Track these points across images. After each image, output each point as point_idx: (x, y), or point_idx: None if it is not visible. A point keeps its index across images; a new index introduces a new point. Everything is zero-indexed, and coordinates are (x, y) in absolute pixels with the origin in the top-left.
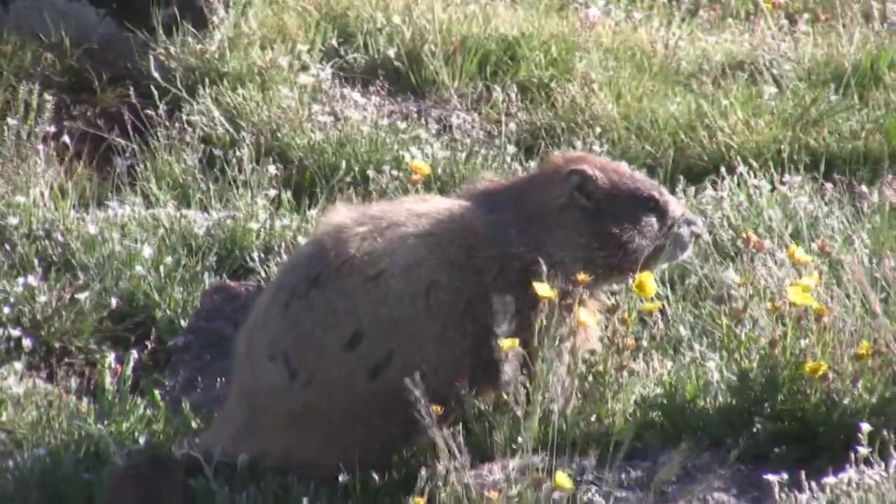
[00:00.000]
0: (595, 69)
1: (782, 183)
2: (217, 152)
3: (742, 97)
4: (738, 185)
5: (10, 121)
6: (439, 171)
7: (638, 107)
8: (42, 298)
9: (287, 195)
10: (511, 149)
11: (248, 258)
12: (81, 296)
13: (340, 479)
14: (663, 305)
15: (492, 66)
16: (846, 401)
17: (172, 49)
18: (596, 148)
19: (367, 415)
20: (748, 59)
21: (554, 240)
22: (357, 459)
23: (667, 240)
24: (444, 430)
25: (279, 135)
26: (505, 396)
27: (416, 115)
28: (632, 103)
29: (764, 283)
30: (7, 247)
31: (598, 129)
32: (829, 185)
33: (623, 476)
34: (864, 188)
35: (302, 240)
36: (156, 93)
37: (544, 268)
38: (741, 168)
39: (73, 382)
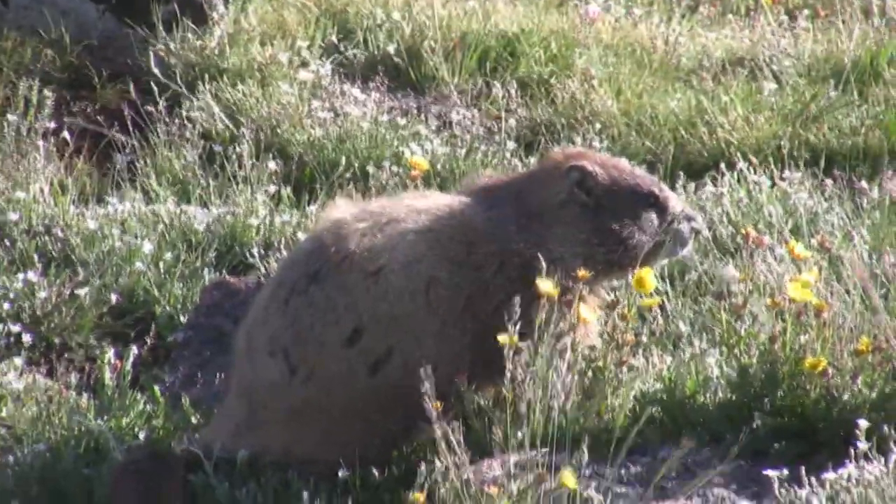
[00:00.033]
0: (595, 65)
1: (782, 179)
2: (217, 148)
3: (742, 93)
4: (738, 181)
5: (10, 117)
6: (439, 167)
7: (638, 103)
8: (42, 294)
9: (287, 191)
10: (511, 145)
11: (247, 254)
12: (81, 292)
13: (340, 474)
14: (663, 301)
15: (491, 62)
16: (846, 396)
17: (172, 45)
18: (596, 144)
19: (367, 411)
20: (748, 55)
21: (554, 236)
22: (357, 455)
23: (667, 236)
24: (443, 425)
25: (279, 131)
26: (504, 392)
27: (415, 112)
28: (632, 99)
29: (764, 278)
30: (7, 242)
31: (597, 126)
32: (828, 181)
33: (622, 472)
34: (863, 184)
35: (302, 236)
36: (156, 89)
37: (544, 264)
38: (741, 164)
39: (73, 378)
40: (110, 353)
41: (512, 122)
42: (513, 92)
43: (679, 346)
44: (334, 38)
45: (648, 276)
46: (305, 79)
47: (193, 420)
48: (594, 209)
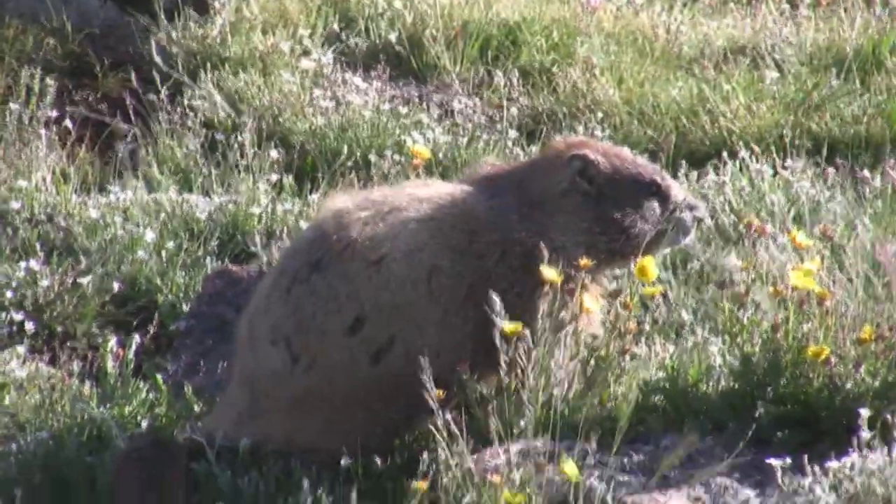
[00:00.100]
0: (597, 54)
1: (784, 167)
2: (219, 137)
3: (744, 82)
4: (740, 169)
5: (12, 105)
6: (441, 155)
7: (640, 91)
8: (44, 283)
9: (289, 180)
10: (513, 134)
11: (249, 243)
12: (84, 280)
13: (342, 463)
14: (665, 290)
15: (493, 50)
16: (849, 385)
17: (174, 34)
18: (598, 133)
19: (369, 399)
20: (750, 43)
21: (556, 225)
22: (359, 444)
23: (669, 224)
24: (446, 414)
25: (281, 119)
26: (507, 381)
27: (417, 100)
28: (633, 88)
29: (766, 267)
30: (9, 231)
31: (599, 114)
32: (830, 170)
33: (625, 460)
34: (865, 173)
35: (304, 224)
36: (157, 77)
37: (546, 253)
38: (743, 153)
39: (76, 366)
40: (113, 342)
41: (513, 110)
42: (514, 80)
43: (681, 334)
44: (336, 27)
45: (651, 264)
46: (307, 67)
47: (196, 408)
48: (596, 198)
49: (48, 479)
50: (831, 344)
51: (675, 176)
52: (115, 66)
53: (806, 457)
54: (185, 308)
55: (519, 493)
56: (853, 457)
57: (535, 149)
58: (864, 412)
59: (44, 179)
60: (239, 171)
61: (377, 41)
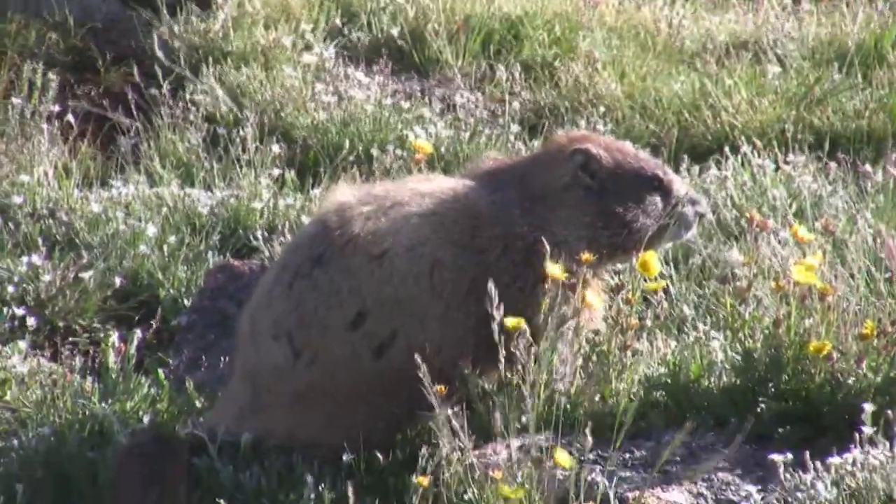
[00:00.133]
0: (599, 48)
1: (786, 162)
2: (221, 131)
3: (746, 76)
4: (742, 164)
5: (14, 100)
6: (443, 150)
7: (642, 86)
8: (46, 277)
9: (291, 174)
10: (515, 128)
11: (251, 237)
12: (85, 275)
13: (344, 458)
14: (667, 285)
15: (495, 45)
16: (850, 381)
17: (176, 28)
18: (600, 127)
19: (371, 394)
20: (752, 38)
21: (558, 219)
22: (361, 439)
23: (671, 219)
24: (448, 409)
25: (283, 114)
26: (509, 376)
27: (419, 95)
28: (636, 82)
29: (768, 262)
30: (11, 226)
31: (601, 109)
32: (832, 165)
33: (627, 456)
34: (867, 167)
35: (305, 219)
36: (159, 72)
37: (548, 247)
38: (745, 147)
39: (78, 361)
40: (114, 337)
41: (516, 105)
42: (516, 75)
43: (683, 330)
44: (338, 21)
45: (653, 259)
46: (309, 62)
47: (197, 403)
48: (598, 192)
49: (50, 474)
50: (833, 339)
51: (676, 170)
52: (117, 60)
53: (808, 452)
54: (187, 303)
55: (519, 489)
56: (855, 452)
57: (537, 143)
58: (866, 408)
59: (46, 174)
60: (241, 166)
61: (379, 35)
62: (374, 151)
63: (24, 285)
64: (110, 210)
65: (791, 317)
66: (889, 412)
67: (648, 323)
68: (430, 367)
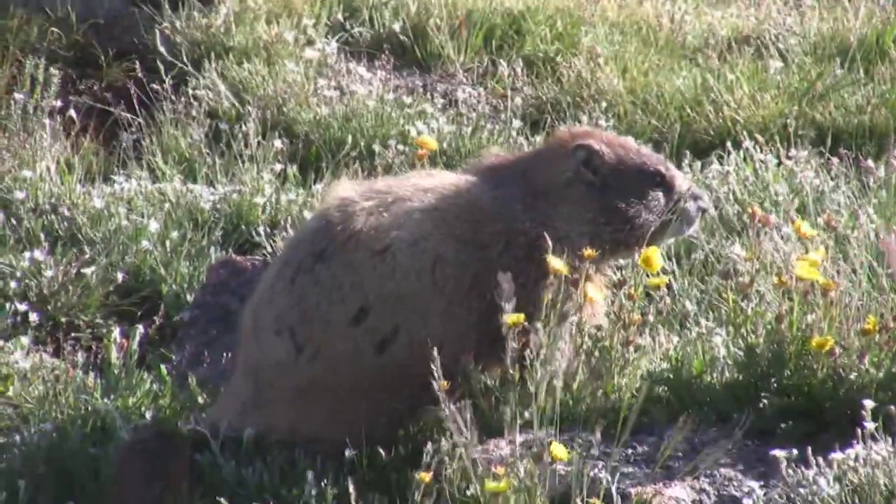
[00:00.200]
0: (601, 43)
1: (788, 157)
2: (223, 127)
3: (748, 72)
4: (745, 159)
5: (16, 95)
6: (445, 145)
7: (644, 81)
8: (48, 273)
9: (293, 170)
10: (517, 123)
11: (254, 233)
12: (88, 270)
13: (346, 453)
14: (669, 280)
15: (497, 40)
16: (853, 376)
17: (178, 24)
18: (602, 122)
19: (373, 389)
20: (754, 33)
21: (560, 215)
22: (363, 434)
23: (673, 215)
24: (450, 405)
25: (285, 109)
26: (511, 371)
27: (421, 90)
28: (638, 78)
29: (770, 257)
30: (13, 221)
31: (603, 104)
32: (835, 160)
33: (629, 451)
34: (870, 163)
35: (308, 214)
36: (162, 67)
37: (550, 243)
38: (747, 142)
39: (80, 357)
40: (117, 332)
41: (518, 100)
42: (518, 70)
43: (686, 325)
44: (340, 17)
45: (655, 255)
46: (311, 57)
47: (200, 399)
48: (600, 188)
49: (52, 470)
50: (835, 335)
51: (679, 166)
52: (119, 55)
53: (810, 448)
54: (190, 298)
55: (505, 484)
56: (857, 448)
57: (539, 139)
58: (868, 403)
59: (48, 169)
60: (243, 161)
61: (381, 31)
62: (376, 147)
63: (27, 281)
64: (112, 205)
65: (793, 312)
66: (891, 407)
67: (651, 318)
68: (433, 362)
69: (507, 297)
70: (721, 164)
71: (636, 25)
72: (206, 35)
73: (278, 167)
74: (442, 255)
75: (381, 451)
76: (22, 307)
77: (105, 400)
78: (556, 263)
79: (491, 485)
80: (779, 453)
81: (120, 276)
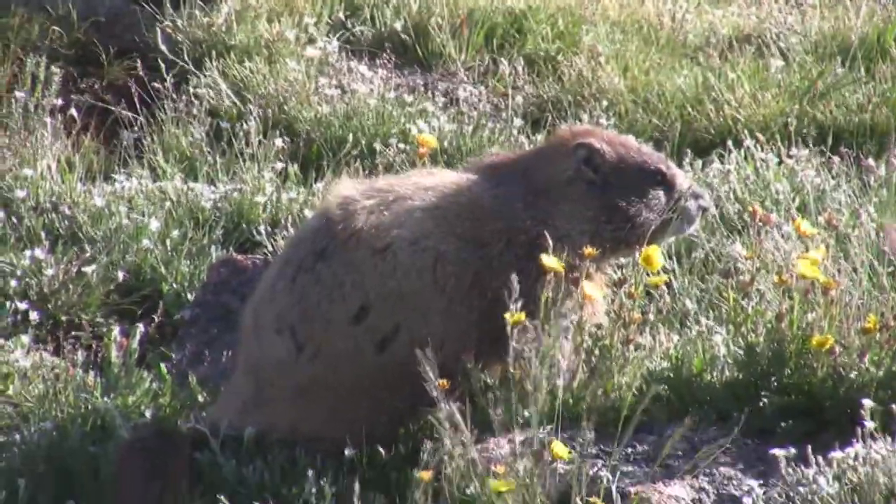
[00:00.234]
0: (602, 42)
1: (789, 156)
2: (224, 125)
3: (749, 70)
4: (745, 158)
5: (17, 94)
6: (446, 144)
7: (645, 80)
8: (49, 272)
9: (294, 168)
10: (518, 122)
11: (254, 231)
12: (88, 269)
13: (347, 452)
14: (670, 279)
15: (498, 38)
16: (853, 375)
17: (179, 22)
18: (603, 121)
19: (374, 388)
20: (755, 32)
21: (561, 213)
22: (363, 433)
23: (674, 213)
24: (450, 404)
25: (286, 108)
26: (511, 370)
27: (422, 89)
28: (639, 76)
29: (771, 256)
30: (14, 220)
31: (604, 103)
32: (836, 159)
33: (629, 450)
34: (871, 161)
35: (308, 213)
36: (163, 66)
37: (551, 241)
38: (748, 141)
39: (80, 356)
40: (117, 331)
41: (519, 99)
42: (520, 69)
43: (686, 324)
44: (341, 15)
45: (655, 253)
46: (312, 56)
47: (200, 398)
48: (601, 186)
49: (52, 469)
50: (835, 333)
51: (679, 164)
52: (120, 54)
53: (809, 447)
54: (190, 297)
55: (511, 482)
56: (857, 447)
57: (540, 137)
58: (868, 402)
59: (49, 168)
60: (244, 160)
61: (382, 29)
62: (378, 145)
63: (27, 279)
64: (113, 204)
65: (793, 311)
66: (891, 407)
67: (651, 317)
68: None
69: (515, 296)
70: (722, 162)
71: (637, 24)
72: (208, 33)
73: (279, 166)
74: (443, 253)
75: (381, 449)
76: (22, 306)
77: (105, 399)
78: (551, 262)
79: (496, 484)
80: (778, 452)
81: (120, 275)
